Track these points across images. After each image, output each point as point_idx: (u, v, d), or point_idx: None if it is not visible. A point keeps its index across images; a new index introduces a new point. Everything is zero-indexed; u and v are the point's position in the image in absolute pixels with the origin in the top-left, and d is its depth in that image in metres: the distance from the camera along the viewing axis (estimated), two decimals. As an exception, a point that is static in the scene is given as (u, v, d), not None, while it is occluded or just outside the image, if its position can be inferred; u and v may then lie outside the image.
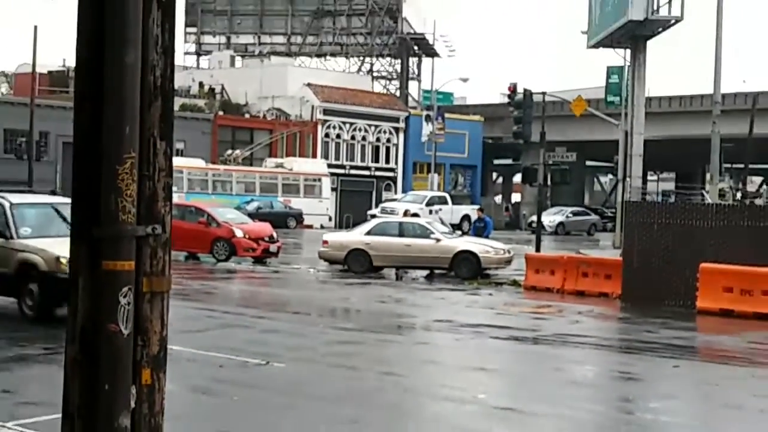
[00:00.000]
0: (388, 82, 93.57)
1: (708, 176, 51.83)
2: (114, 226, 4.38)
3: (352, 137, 75.54)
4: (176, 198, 49.81)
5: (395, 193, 74.39)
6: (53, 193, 21.73)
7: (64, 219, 17.12)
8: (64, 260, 15.57)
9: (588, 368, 15.41)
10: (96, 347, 4.39)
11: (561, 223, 67.92)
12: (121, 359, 4.39)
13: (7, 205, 18.34)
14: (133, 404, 4.45)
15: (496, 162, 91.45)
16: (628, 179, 44.46)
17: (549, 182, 36.27)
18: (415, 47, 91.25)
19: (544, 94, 43.62)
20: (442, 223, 40.05)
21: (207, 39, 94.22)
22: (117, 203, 4.38)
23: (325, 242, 32.38)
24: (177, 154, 64.30)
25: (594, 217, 72.62)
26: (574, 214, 71.19)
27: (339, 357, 14.97)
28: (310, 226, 60.13)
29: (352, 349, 15.77)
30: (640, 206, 27.11)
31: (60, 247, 15.83)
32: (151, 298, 4.56)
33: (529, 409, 11.72)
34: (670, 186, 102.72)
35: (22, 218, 18.23)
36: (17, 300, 17.51)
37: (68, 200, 22.62)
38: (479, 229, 35.01)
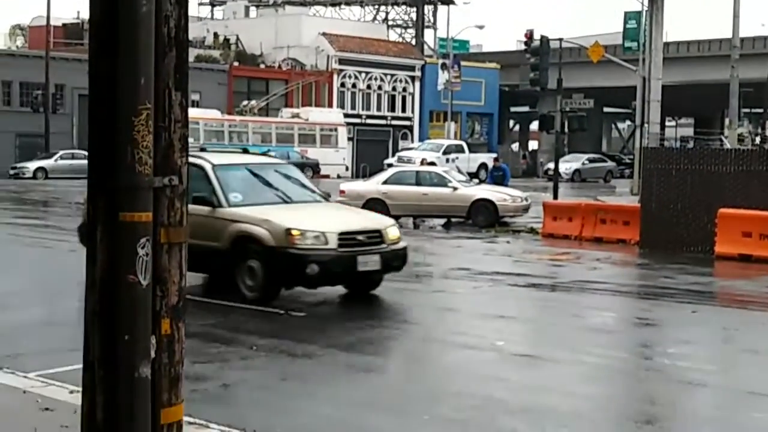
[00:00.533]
0: (403, 30, 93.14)
1: (727, 121, 51.47)
2: (131, 177, 4.41)
3: (368, 86, 75.33)
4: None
5: (412, 142, 74.25)
6: (245, 151, 18.40)
7: (268, 183, 15.77)
8: (296, 233, 14.11)
9: (606, 314, 15.42)
10: (115, 298, 4.43)
11: (577, 170, 67.76)
12: (141, 310, 4.44)
13: (208, 167, 15.40)
14: (153, 354, 4.50)
15: (512, 110, 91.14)
16: (645, 125, 44.21)
17: (566, 129, 36.12)
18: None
19: (560, 40, 43.31)
20: (459, 171, 39.97)
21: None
22: (133, 154, 4.41)
23: (342, 192, 32.35)
24: (192, 106, 64.33)
25: (610, 164, 72.38)
26: (590, 161, 70.96)
27: (356, 306, 15.03)
28: (326, 176, 60.11)
29: (370, 299, 15.80)
30: (658, 152, 26.97)
31: (283, 216, 14.44)
32: (169, 248, 4.60)
33: (547, 355, 11.77)
34: (689, 132, 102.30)
35: (228, 182, 15.37)
36: (234, 279, 14.79)
37: (275, 160, 19.03)
38: (497, 177, 34.89)
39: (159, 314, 4.55)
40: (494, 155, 53.85)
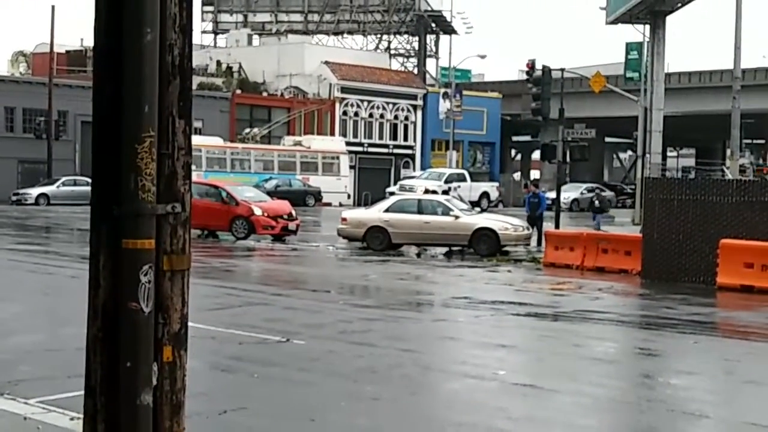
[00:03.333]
0: (405, 59, 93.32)
1: (728, 152, 51.56)
2: (134, 205, 4.41)
3: (370, 115, 75.49)
4: (195, 176, 49.88)
5: (414, 170, 74.35)
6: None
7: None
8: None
9: (608, 344, 15.40)
10: (117, 325, 4.43)
11: (575, 200, 67.75)
12: (143, 337, 4.43)
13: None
14: (155, 381, 4.49)
15: (514, 139, 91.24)
16: (647, 155, 44.34)
17: (568, 159, 36.18)
18: (433, 24, 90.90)
19: (562, 70, 43.38)
20: (461, 200, 40.02)
21: (224, 17, 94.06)
22: (137, 182, 4.41)
23: (344, 220, 32.42)
24: (195, 133, 64.15)
25: (609, 194, 72.35)
26: (589, 190, 70.91)
27: (358, 334, 15.02)
28: (328, 204, 60.24)
29: (371, 326, 15.81)
30: (659, 182, 27.02)
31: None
32: (171, 276, 4.60)
33: (548, 385, 11.74)
34: (690, 162, 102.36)
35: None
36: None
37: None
38: (534, 205, 34.40)
39: (161, 341, 4.54)
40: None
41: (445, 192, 46.39)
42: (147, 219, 4.45)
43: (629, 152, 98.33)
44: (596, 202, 42.14)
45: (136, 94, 4.42)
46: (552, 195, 39.54)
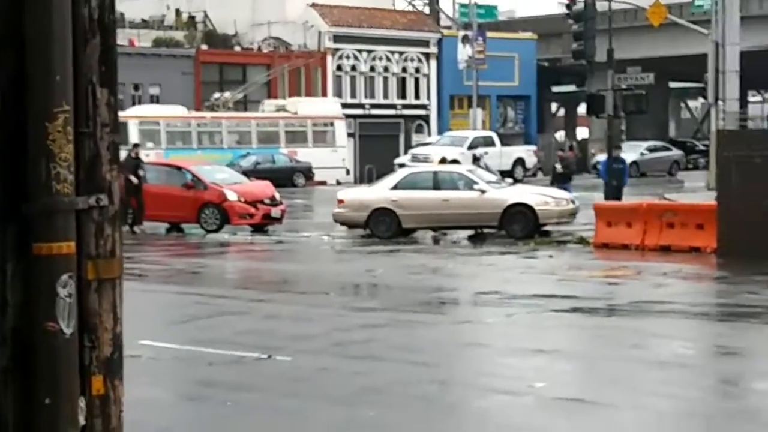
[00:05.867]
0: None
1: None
2: (46, 199, 4.39)
3: (372, 68, 75.42)
4: (153, 156, 50.09)
5: (429, 135, 74.35)
6: None
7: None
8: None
9: (676, 344, 15.41)
10: (32, 352, 4.42)
11: (634, 162, 67.67)
12: (64, 365, 4.42)
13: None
14: (82, 420, 4.49)
15: (555, 90, 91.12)
16: (721, 102, 44.23)
17: (622, 112, 36.16)
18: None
19: (610, 0, 43.32)
20: (488, 169, 40.04)
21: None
22: (49, 170, 4.39)
23: (341, 201, 32.44)
24: (152, 101, 64.70)
25: (676, 153, 72.42)
26: (651, 150, 70.95)
27: (359, 346, 15.02)
28: (323, 183, 60.25)
29: (376, 335, 15.83)
30: (737, 136, 27.13)
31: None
32: (98, 286, 4.59)
33: (600, 398, 11.77)
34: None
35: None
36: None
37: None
38: (615, 172, 34.01)
39: (89, 370, 4.53)
40: (534, 147, 53.48)
41: (476, 159, 46.09)
42: (64, 216, 4.43)
43: (701, 100, 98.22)
44: (558, 167, 40.37)
45: (43, 60, 4.41)
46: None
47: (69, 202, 4.44)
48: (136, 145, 36.33)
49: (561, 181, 38.65)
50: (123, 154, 36.90)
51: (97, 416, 4.55)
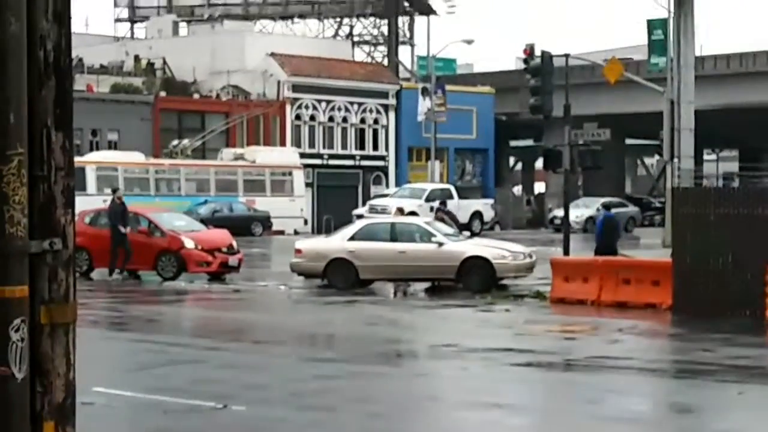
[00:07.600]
0: (372, 48, 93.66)
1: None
2: (-1, 242, 4.35)
3: (331, 119, 75.59)
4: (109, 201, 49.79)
5: (387, 187, 74.45)
6: None
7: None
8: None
9: (632, 400, 15.44)
10: (-19, 397, 4.35)
11: (591, 218, 67.94)
12: (15, 411, 4.37)
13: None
14: (33, 470, 4.42)
15: (512, 144, 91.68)
16: (676, 160, 44.53)
17: (578, 167, 36.27)
18: (406, 3, 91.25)
19: (567, 56, 43.57)
20: (452, 217, 40.12)
21: (142, 2, 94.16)
22: (2, 212, 4.37)
23: (299, 251, 32.36)
24: (110, 147, 64.57)
25: (632, 209, 72.72)
26: (605, 206, 71.13)
27: (314, 396, 14.96)
28: (281, 232, 60.19)
29: (332, 386, 15.78)
30: (692, 193, 27.19)
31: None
32: (51, 331, 4.55)
33: (555, 454, 11.72)
34: (734, 167, 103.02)
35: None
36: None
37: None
38: (610, 230, 33.75)
39: (40, 416, 4.49)
40: (491, 201, 53.44)
41: (442, 203, 45.65)
42: (17, 260, 4.41)
43: (656, 157, 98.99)
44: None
45: (-3, 101, 4.37)
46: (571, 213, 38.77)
47: (22, 246, 4.41)
48: (116, 190, 36.41)
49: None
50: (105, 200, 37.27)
51: (48, 466, 4.48)
